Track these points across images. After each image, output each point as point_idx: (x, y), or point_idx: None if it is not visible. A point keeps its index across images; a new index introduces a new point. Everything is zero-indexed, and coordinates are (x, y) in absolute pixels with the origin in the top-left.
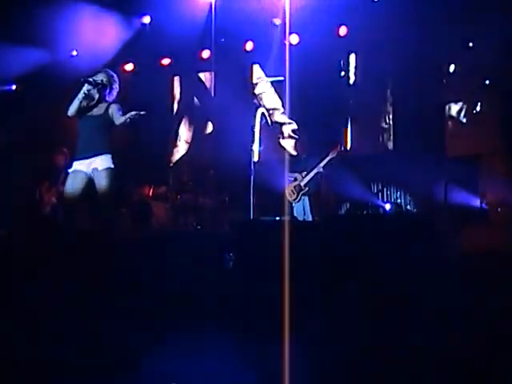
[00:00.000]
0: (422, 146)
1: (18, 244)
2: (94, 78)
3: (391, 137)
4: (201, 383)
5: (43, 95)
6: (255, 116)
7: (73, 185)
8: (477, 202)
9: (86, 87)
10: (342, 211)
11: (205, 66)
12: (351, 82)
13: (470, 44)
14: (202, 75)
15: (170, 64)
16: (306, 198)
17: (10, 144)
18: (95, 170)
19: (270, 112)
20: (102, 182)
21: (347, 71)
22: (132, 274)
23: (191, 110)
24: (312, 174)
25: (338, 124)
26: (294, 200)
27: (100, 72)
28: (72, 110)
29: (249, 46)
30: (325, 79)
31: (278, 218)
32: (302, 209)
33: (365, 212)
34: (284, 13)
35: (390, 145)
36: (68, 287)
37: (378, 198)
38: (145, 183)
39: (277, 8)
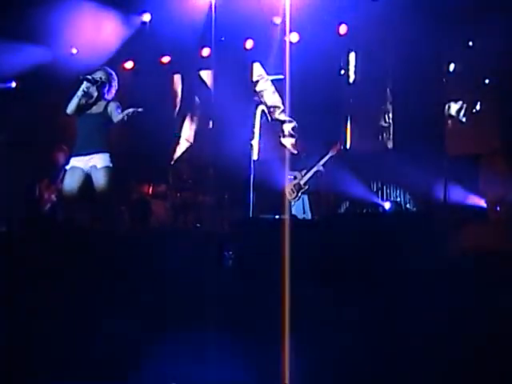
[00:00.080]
0: (422, 144)
1: (17, 241)
2: (93, 75)
3: (391, 135)
4: (200, 383)
5: (43, 93)
6: (255, 113)
7: (71, 182)
8: (476, 201)
9: (84, 85)
10: (342, 210)
11: (205, 63)
12: (351, 80)
13: (470, 43)
14: (201, 73)
15: (169, 62)
16: (306, 197)
17: (9, 141)
18: (94, 167)
19: (271, 110)
20: (100, 180)
21: (347, 70)
22: (131, 271)
23: (191, 108)
24: (312, 173)
25: (338, 122)
26: (294, 198)
27: (98, 70)
28: (71, 107)
29: (249, 44)
30: (325, 78)
31: (277, 217)
32: (301, 207)
33: (364, 210)
34: (284, 11)
35: (390, 143)
36: (67, 285)
37: (378, 197)
38: (144, 181)
39: (277, 6)
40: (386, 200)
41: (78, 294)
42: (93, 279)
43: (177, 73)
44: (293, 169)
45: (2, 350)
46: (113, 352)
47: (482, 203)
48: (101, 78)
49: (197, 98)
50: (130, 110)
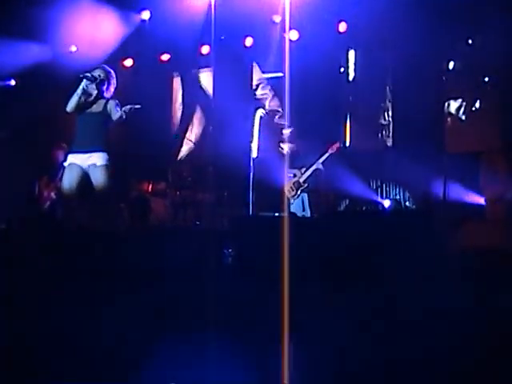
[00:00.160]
0: (421, 142)
1: (16, 239)
2: (92, 73)
3: (390, 133)
4: (200, 382)
5: (42, 91)
6: (255, 115)
7: (70, 179)
8: (476, 199)
9: (84, 83)
10: (341, 207)
11: (204, 61)
12: (350, 78)
13: (470, 41)
14: (201, 71)
15: (169, 60)
16: (305, 195)
17: (8, 139)
18: (93, 165)
19: (270, 115)
20: (99, 178)
21: (346, 68)
22: (130, 269)
23: (192, 108)
24: (311, 171)
25: (337, 120)
26: (293, 196)
27: (97, 68)
28: (71, 105)
29: (248, 41)
30: (324, 76)
31: (276, 214)
32: (300, 205)
33: (364, 208)
34: (284, 9)
35: (389, 141)
36: (67, 282)
37: (377, 195)
38: (144, 179)
39: (276, 4)
40: (386, 198)
41: (78, 292)
42: (92, 277)
43: (176, 71)
44: (292, 167)
45: (1, 350)
46: (113, 351)
47: (482, 201)
48: (100, 76)
49: (197, 96)
50: (128, 106)
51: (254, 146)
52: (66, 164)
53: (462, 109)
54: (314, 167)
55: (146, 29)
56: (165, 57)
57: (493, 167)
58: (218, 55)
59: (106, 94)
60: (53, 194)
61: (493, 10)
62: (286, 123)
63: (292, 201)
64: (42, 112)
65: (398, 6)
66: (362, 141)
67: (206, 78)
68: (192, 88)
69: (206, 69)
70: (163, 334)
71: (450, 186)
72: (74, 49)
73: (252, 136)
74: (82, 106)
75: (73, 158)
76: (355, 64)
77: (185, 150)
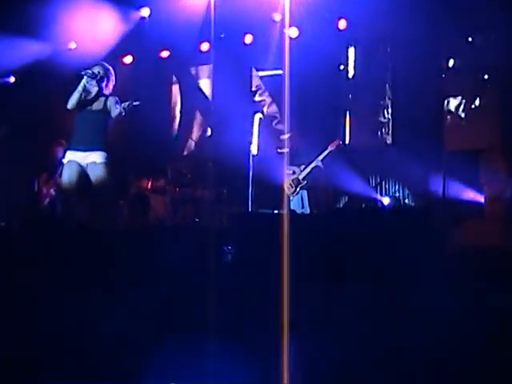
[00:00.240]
0: (421, 140)
1: (16, 236)
2: (92, 70)
3: (390, 131)
4: (199, 379)
5: (41, 87)
6: (253, 119)
7: (69, 176)
8: (475, 197)
9: (85, 80)
10: (340, 205)
11: (204, 58)
12: (350, 75)
13: (470, 39)
14: (201, 68)
15: (169, 56)
16: (305, 192)
17: (7, 136)
18: (92, 163)
19: (268, 120)
20: (99, 175)
21: (346, 65)
22: (130, 266)
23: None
24: (310, 168)
25: (337, 118)
26: (292, 193)
27: (96, 65)
28: (72, 102)
29: (248, 39)
30: (324, 73)
31: (276, 211)
32: (299, 202)
33: (363, 205)
34: (283, 6)
35: (389, 139)
36: (67, 279)
37: (377, 192)
38: (143, 176)
39: (276, 2)
40: (385, 195)
41: (78, 289)
42: (92, 274)
43: (176, 67)
44: (291, 164)
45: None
46: (112, 350)
47: (481, 199)
48: (99, 73)
49: (196, 94)
50: (126, 103)
51: (254, 143)
52: (64, 161)
53: (462, 107)
54: (313, 164)
55: (145, 26)
56: (164, 54)
57: (492, 165)
58: (217, 52)
59: (105, 91)
60: (52, 191)
61: (493, 8)
62: (285, 129)
63: (291, 198)
64: (41, 109)
65: (397, 3)
66: (361, 138)
67: (205, 83)
68: (191, 84)
69: (204, 71)
70: (162, 332)
71: (449, 184)
72: (73, 46)
73: (251, 134)
74: (82, 103)
75: (72, 156)
76: (355, 61)
77: (189, 148)
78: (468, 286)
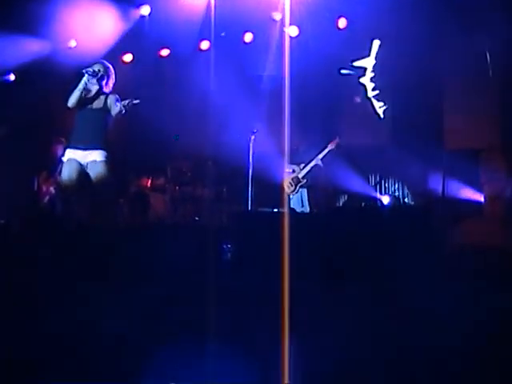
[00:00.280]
0: (421, 139)
1: (16, 234)
2: (93, 68)
3: (390, 130)
4: (199, 379)
5: (41, 86)
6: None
7: (69, 174)
8: (475, 196)
9: (85, 78)
10: (340, 203)
11: (204, 57)
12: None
13: (470, 37)
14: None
15: (169, 55)
16: (304, 190)
17: (7, 134)
18: (93, 162)
19: None
20: (98, 174)
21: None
22: (129, 265)
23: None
24: (310, 167)
25: (337, 116)
26: (292, 192)
27: (96, 63)
28: (72, 101)
29: (248, 37)
30: (324, 72)
31: (275, 210)
32: (299, 201)
33: (363, 204)
34: (283, 5)
35: (389, 138)
36: (66, 278)
37: (376, 191)
38: (143, 174)
39: (276, 1)
40: (385, 194)
41: (77, 288)
42: (91, 272)
43: (175, 65)
44: (291, 162)
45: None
46: (111, 349)
47: (481, 198)
48: (99, 71)
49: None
50: (126, 101)
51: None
52: (64, 159)
53: (462, 105)
54: (313, 163)
55: (145, 24)
56: (164, 52)
57: (492, 164)
58: (217, 50)
59: (105, 89)
60: (52, 189)
61: (494, 8)
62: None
63: (291, 196)
64: (40, 107)
65: (397, 2)
66: (361, 137)
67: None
68: (191, 80)
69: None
70: (161, 331)
71: (448, 183)
72: (73, 44)
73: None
74: (82, 102)
75: (72, 154)
76: (355, 60)
77: None
78: (467, 285)
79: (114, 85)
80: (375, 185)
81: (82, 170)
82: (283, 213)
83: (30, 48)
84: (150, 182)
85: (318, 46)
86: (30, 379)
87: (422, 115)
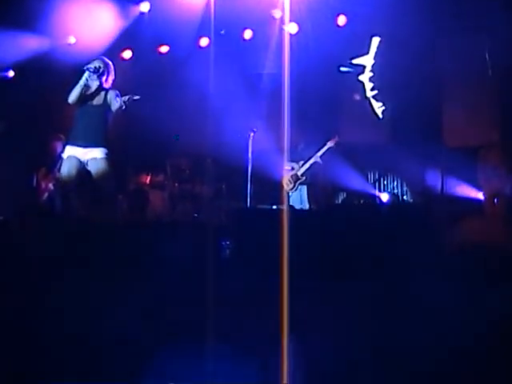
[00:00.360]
0: (420, 136)
1: (14, 231)
2: (94, 65)
3: (389, 127)
4: (198, 379)
5: (40, 82)
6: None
7: (69, 170)
8: (474, 194)
9: (86, 74)
10: (339, 201)
11: (203, 53)
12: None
13: (469, 35)
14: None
15: (168, 52)
16: (304, 188)
17: (6, 130)
18: (93, 159)
19: None
20: (98, 171)
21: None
22: (128, 262)
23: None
24: (309, 164)
25: (336, 114)
26: (291, 189)
27: (96, 59)
28: (73, 97)
29: (247, 34)
30: (323, 69)
31: (274, 207)
32: (298, 198)
33: (362, 201)
34: (283, 2)
35: (388, 135)
36: (65, 275)
37: (375, 189)
38: (142, 171)
39: None
40: (384, 192)
41: (76, 285)
42: (90, 269)
43: (175, 62)
44: (291, 160)
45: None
46: (110, 347)
47: (480, 195)
48: (100, 67)
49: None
50: (126, 97)
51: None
52: (64, 156)
53: (461, 103)
54: (312, 160)
55: (144, 20)
56: (163, 49)
57: (491, 162)
58: (216, 47)
59: (104, 85)
60: (51, 186)
61: (494, 8)
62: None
63: (290, 194)
64: (39, 104)
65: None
66: (360, 135)
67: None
68: (190, 77)
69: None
70: (159, 330)
71: (447, 180)
72: (72, 40)
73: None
74: (83, 98)
75: (72, 151)
76: (354, 57)
77: None
78: (466, 283)
79: (114, 81)
80: (374, 182)
81: (82, 167)
82: (282, 210)
83: (28, 44)
84: (149, 179)
85: (318, 44)
86: (29, 379)
87: (421, 113)
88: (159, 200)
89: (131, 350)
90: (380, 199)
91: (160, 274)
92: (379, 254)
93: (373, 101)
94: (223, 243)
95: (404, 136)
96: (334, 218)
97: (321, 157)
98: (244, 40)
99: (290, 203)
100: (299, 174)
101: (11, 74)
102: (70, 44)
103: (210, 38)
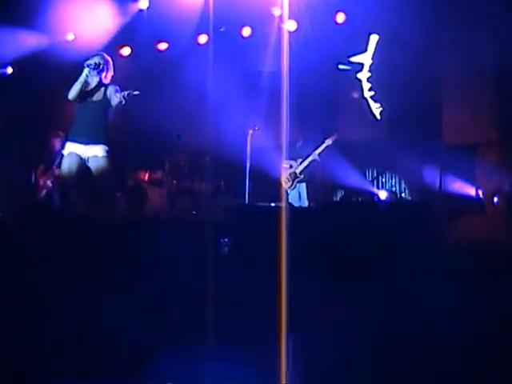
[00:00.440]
0: (418, 134)
1: (13, 228)
2: (93, 61)
3: (387, 125)
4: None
5: (39, 79)
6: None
7: (69, 167)
8: (472, 191)
9: (87, 71)
10: (338, 198)
11: (202, 50)
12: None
13: (469, 34)
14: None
15: (166, 49)
16: (303, 185)
17: (4, 127)
18: (94, 156)
19: None
20: (99, 168)
21: (344, 59)
22: (126, 259)
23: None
24: (307, 162)
25: (335, 112)
26: (290, 187)
27: (95, 56)
28: (73, 93)
29: (246, 31)
30: (322, 67)
31: (273, 204)
32: (297, 196)
33: (360, 199)
34: (282, 1)
35: (387, 133)
36: (64, 272)
37: (373, 186)
38: (141, 168)
39: None
40: (382, 189)
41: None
42: (88, 267)
43: (174, 59)
44: (289, 158)
45: None
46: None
47: (478, 193)
48: (100, 64)
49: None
50: (126, 92)
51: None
52: (64, 152)
53: (459, 101)
54: (310, 158)
55: (143, 17)
56: (162, 46)
57: (490, 159)
58: (215, 44)
59: (104, 81)
60: (49, 183)
61: (493, 6)
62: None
63: (289, 191)
64: (38, 100)
65: None
66: (358, 132)
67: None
68: (188, 74)
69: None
70: (158, 328)
71: (446, 178)
72: (71, 37)
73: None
74: (83, 95)
75: (73, 147)
76: (353, 55)
77: None
78: (465, 281)
79: (113, 77)
80: (372, 180)
81: (83, 164)
82: (281, 207)
83: (27, 41)
84: (147, 175)
85: (317, 41)
86: (29, 379)
87: (420, 111)
88: (157, 197)
89: (130, 348)
90: (378, 197)
91: (158, 271)
92: (378, 251)
93: (370, 101)
94: (221, 240)
95: (402, 134)
96: (333, 215)
97: (319, 154)
98: (243, 37)
99: (289, 200)
100: (297, 171)
101: (10, 70)
102: (68, 41)
103: (208, 36)
